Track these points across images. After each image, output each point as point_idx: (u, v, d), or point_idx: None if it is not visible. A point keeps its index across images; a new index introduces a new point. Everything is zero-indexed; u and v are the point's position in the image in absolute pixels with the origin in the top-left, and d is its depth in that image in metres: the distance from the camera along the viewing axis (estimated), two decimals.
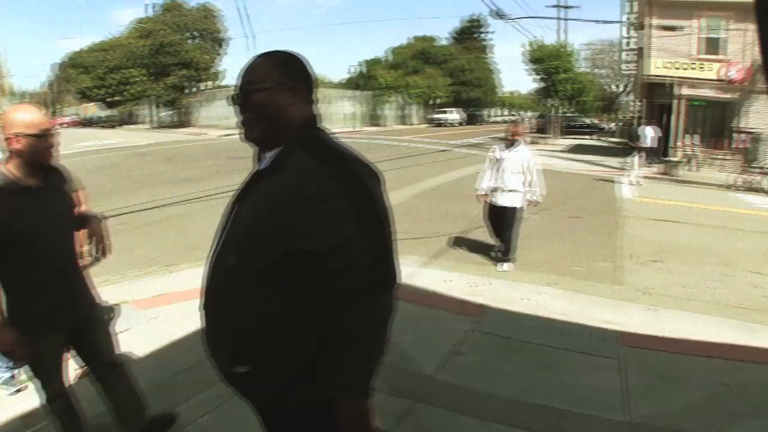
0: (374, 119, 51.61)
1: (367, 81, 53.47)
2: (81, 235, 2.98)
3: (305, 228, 1.52)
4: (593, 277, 6.56)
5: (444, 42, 63.42)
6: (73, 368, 3.20)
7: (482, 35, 65.76)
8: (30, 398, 3.47)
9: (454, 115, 51.90)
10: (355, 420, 1.59)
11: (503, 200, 6.69)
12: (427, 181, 14.99)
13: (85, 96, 51.23)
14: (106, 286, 5.31)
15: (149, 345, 4.31)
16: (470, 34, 64.90)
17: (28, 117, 2.54)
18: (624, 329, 4.84)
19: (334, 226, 1.51)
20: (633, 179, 15.60)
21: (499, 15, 17.25)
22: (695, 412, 3.54)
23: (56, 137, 2.65)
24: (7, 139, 2.50)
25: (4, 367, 3.78)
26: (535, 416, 3.42)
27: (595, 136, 39.00)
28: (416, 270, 6.54)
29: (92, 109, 56.63)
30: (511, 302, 5.46)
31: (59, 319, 2.72)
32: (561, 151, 25.97)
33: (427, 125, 52.79)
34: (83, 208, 3.15)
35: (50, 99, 70.59)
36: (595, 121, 47.31)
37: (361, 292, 1.52)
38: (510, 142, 6.77)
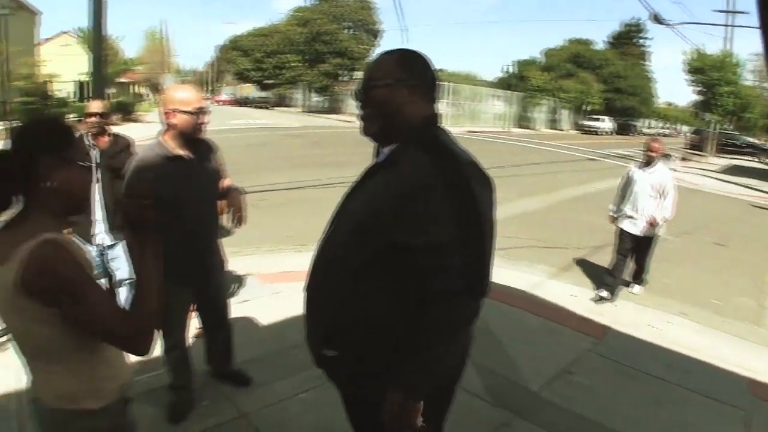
0: (523, 121, 50.58)
1: (519, 82, 52.51)
2: (221, 205, 3.30)
3: (411, 224, 1.55)
4: (731, 314, 6.05)
5: (600, 46, 60.71)
6: (194, 326, 3.56)
7: (641, 41, 62.11)
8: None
9: (606, 123, 49.60)
10: (400, 416, 1.62)
11: (636, 229, 5.99)
12: (570, 189, 14.55)
13: (242, 77, 54.88)
14: (238, 256, 5.73)
15: (267, 318, 4.60)
16: (628, 39, 61.47)
17: (184, 96, 2.87)
18: (757, 377, 4.40)
19: (436, 225, 1.54)
20: None
21: (658, 20, 16.07)
22: None
23: (207, 115, 2.95)
24: (165, 113, 2.84)
25: None
26: None
27: (756, 158, 35.47)
28: (543, 280, 6.45)
29: (248, 90, 60.65)
30: (636, 327, 5.18)
31: (190, 276, 3.05)
32: (715, 171, 23.95)
33: (577, 131, 50.97)
34: (227, 182, 3.48)
35: (210, 78, 76.56)
36: (757, 141, 42.85)
37: (448, 294, 1.54)
38: (647, 161, 6.06)
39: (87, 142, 4.02)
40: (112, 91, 39.35)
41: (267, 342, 4.21)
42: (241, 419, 3.25)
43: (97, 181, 4.00)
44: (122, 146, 4.15)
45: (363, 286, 1.66)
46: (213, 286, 3.27)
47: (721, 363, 4.58)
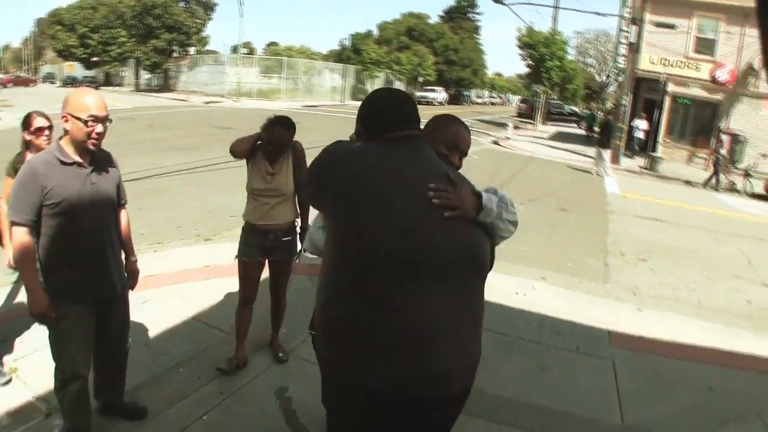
0: (360, 94, 51.10)
1: (355, 55, 52.90)
2: None
3: None
4: (583, 274, 6.66)
5: (435, 20, 63.07)
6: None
7: (473, 15, 65.64)
8: (21, 390, 3.30)
9: (439, 94, 51.70)
10: None
11: None
12: None
13: (65, 54, 50.03)
14: None
15: (142, 333, 4.06)
16: (461, 14, 64.62)
17: (82, 101, 2.61)
18: (613, 329, 4.93)
19: None
20: (605, 170, 16.00)
21: None
22: (684, 417, 3.67)
23: (104, 125, 2.66)
24: (62, 116, 2.61)
25: None
26: (537, 418, 3.48)
27: (578, 125, 39.12)
28: None
29: (69, 69, 55.32)
30: (506, 296, 5.43)
31: (88, 291, 2.72)
32: (545, 138, 26.08)
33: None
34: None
35: (27, 55, 68.76)
36: (578, 109, 47.53)
37: None
38: None
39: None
40: None
41: (149, 361, 3.72)
42: None
43: None
44: None
45: None
46: (112, 303, 2.87)
47: (583, 320, 5.05)
